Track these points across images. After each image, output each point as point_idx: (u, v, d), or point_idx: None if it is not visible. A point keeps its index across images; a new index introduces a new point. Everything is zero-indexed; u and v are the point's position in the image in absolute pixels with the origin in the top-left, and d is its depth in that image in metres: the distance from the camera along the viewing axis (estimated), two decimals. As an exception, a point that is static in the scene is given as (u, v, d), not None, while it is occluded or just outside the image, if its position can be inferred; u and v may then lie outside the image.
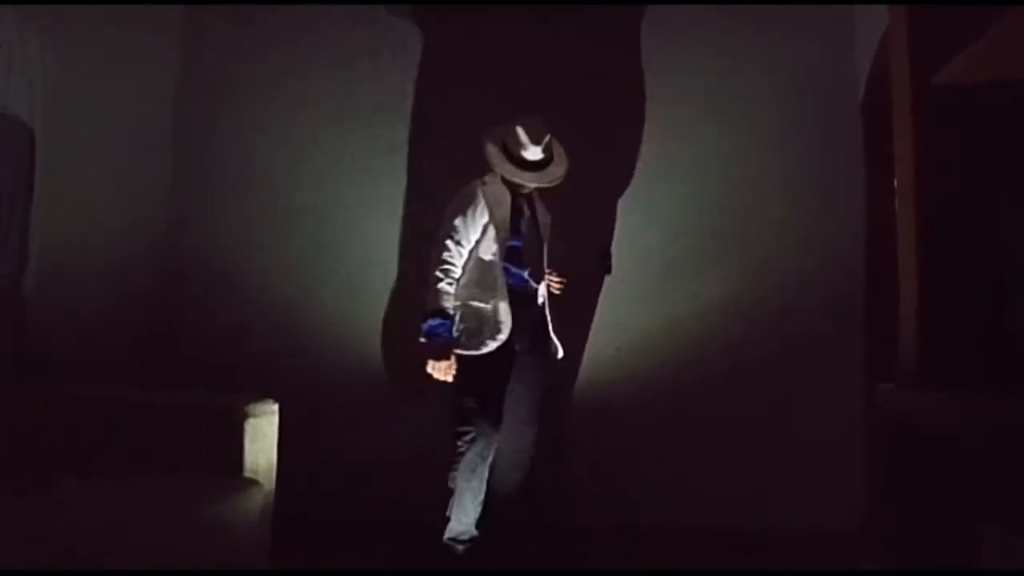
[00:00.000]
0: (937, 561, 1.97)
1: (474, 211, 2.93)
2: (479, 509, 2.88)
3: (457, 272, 2.92)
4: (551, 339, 3.05)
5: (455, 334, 2.89)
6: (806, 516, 3.39)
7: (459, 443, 2.87)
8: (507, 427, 2.94)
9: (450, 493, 2.89)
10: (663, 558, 3.12)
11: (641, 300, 3.61)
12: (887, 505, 2.42)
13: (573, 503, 3.48)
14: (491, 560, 2.90)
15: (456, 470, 2.87)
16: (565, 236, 3.56)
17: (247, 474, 2.44)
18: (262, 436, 2.53)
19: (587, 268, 3.56)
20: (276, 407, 2.62)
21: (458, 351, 2.89)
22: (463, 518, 2.87)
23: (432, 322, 2.86)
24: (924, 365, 1.97)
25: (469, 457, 2.85)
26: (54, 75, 2.88)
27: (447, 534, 2.89)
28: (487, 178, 3.02)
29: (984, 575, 1.79)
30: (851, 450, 3.40)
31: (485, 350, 2.88)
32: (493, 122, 3.57)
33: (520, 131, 2.95)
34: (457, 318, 2.90)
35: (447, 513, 2.89)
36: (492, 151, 2.99)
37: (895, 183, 2.03)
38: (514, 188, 3.02)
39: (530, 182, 3.01)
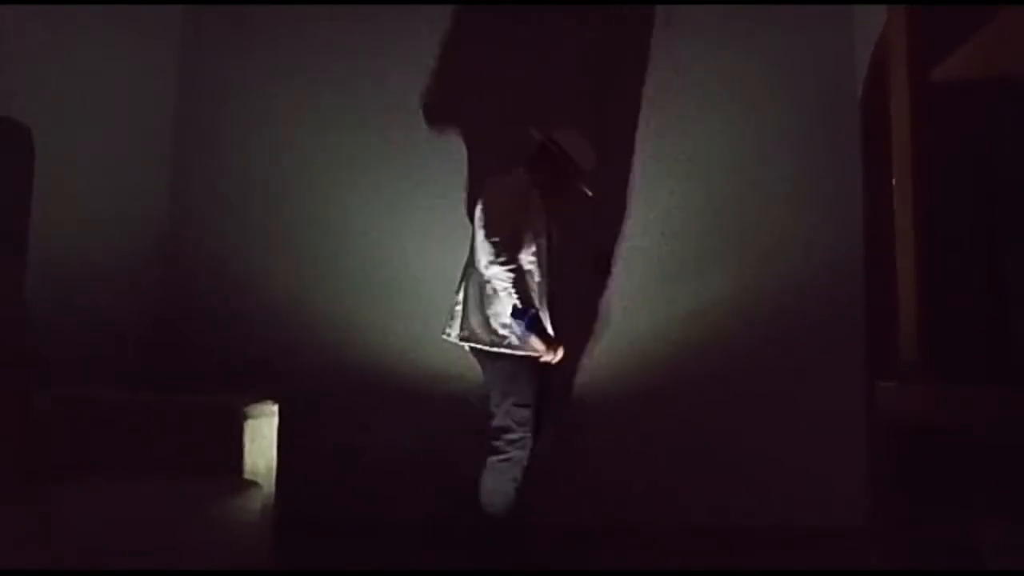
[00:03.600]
0: (938, 558, 1.97)
1: (527, 212, 2.91)
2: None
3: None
4: None
5: (516, 338, 2.87)
6: (808, 514, 3.40)
7: (507, 444, 2.86)
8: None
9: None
10: (663, 557, 3.12)
11: (641, 299, 3.61)
12: (888, 502, 2.42)
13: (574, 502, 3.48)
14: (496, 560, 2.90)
15: (500, 471, 2.85)
16: (565, 236, 3.55)
17: (247, 475, 2.44)
18: (261, 437, 2.52)
19: (587, 269, 3.56)
20: (276, 408, 2.63)
21: (518, 352, 2.87)
22: (501, 519, 2.86)
23: (531, 312, 2.84)
24: (924, 361, 1.97)
25: (521, 457, 2.85)
26: (54, 75, 2.89)
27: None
28: (519, 174, 2.99)
29: (985, 574, 1.79)
30: (852, 447, 3.40)
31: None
32: (494, 122, 3.60)
33: (588, 143, 3.02)
34: (514, 323, 2.87)
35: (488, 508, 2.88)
36: (578, 152, 2.99)
37: (893, 180, 2.03)
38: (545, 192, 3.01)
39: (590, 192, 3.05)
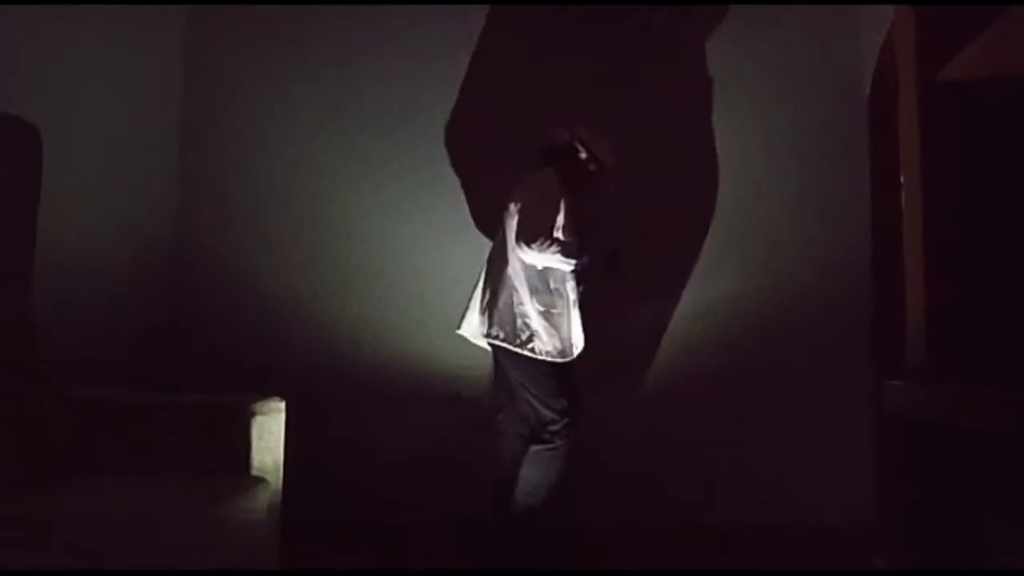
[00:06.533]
0: (944, 557, 1.97)
1: (563, 210, 2.92)
2: None
3: None
4: None
5: (543, 349, 2.90)
6: (809, 514, 3.40)
7: (553, 436, 2.90)
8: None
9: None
10: (667, 556, 3.12)
11: (644, 299, 3.61)
12: (895, 501, 2.43)
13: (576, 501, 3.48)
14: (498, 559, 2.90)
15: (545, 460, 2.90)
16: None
17: (254, 473, 2.43)
18: (269, 434, 2.51)
19: (595, 269, 3.56)
20: (283, 405, 2.61)
21: (550, 359, 2.90)
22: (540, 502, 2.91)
23: (583, 260, 2.95)
24: (931, 361, 1.98)
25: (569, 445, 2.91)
26: (55, 76, 2.88)
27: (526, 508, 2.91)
28: (549, 173, 3.00)
29: (988, 574, 1.80)
30: (859, 446, 3.40)
31: (571, 357, 2.93)
32: (495, 122, 3.60)
33: (608, 142, 3.04)
34: (541, 328, 2.90)
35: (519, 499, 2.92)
36: (601, 150, 3.01)
37: (901, 180, 2.04)
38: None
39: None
